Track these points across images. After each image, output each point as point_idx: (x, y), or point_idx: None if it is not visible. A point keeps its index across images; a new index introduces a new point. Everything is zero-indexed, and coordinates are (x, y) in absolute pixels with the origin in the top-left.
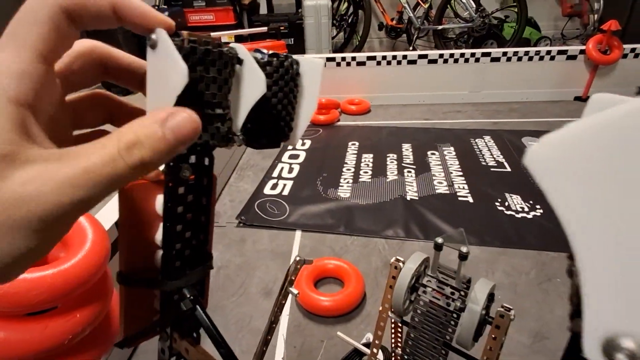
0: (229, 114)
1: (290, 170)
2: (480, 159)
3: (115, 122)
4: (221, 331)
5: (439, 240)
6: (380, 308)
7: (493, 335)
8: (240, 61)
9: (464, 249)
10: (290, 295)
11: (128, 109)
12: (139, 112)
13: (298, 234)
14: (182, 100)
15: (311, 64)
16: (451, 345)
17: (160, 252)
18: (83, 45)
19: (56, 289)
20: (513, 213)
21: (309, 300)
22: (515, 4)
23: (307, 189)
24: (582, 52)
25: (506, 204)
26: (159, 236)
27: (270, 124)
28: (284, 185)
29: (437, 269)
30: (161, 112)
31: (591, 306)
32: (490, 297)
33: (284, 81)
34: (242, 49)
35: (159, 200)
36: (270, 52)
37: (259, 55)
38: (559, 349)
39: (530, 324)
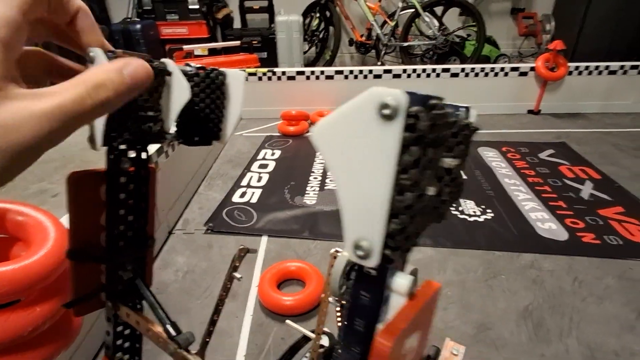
0: (160, 116)
1: (259, 179)
2: None
3: (53, 77)
4: (186, 331)
5: None
6: (323, 295)
7: None
8: (169, 73)
9: None
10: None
11: (65, 66)
12: (76, 70)
13: (264, 239)
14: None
15: (235, 75)
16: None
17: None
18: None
19: (18, 283)
20: (466, 217)
21: (272, 300)
22: (474, 23)
23: (275, 197)
24: (532, 69)
25: (460, 208)
26: (104, 219)
27: (200, 125)
28: (253, 193)
29: None
30: (120, 61)
31: (345, 222)
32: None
33: (210, 89)
34: (171, 63)
35: (104, 188)
36: (198, 65)
37: (188, 68)
38: (499, 337)
39: (475, 316)
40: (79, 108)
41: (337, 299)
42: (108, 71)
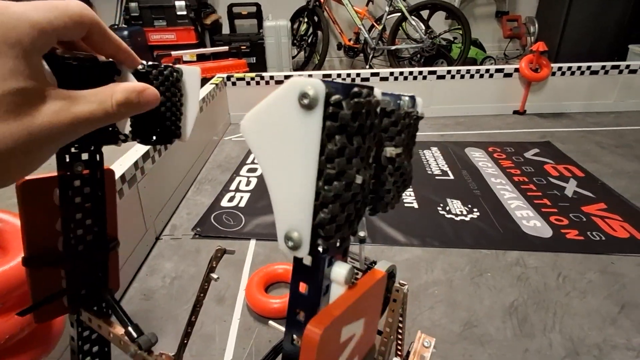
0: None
1: (248, 183)
2: (427, 169)
3: (88, 40)
4: (173, 338)
5: None
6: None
7: (392, 308)
8: (118, 72)
9: (361, 234)
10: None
11: (108, 32)
12: (116, 38)
13: (252, 243)
14: None
15: (190, 72)
16: None
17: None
18: (79, 12)
19: None
20: (453, 216)
21: (259, 304)
22: (460, 26)
23: (263, 201)
24: (516, 70)
25: (447, 208)
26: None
27: (157, 124)
28: (241, 197)
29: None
30: (140, 86)
31: (277, 214)
32: (391, 276)
33: (165, 87)
34: (120, 64)
35: (57, 191)
36: (150, 63)
37: (139, 67)
38: (485, 334)
39: (461, 314)
40: (103, 117)
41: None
42: (131, 92)
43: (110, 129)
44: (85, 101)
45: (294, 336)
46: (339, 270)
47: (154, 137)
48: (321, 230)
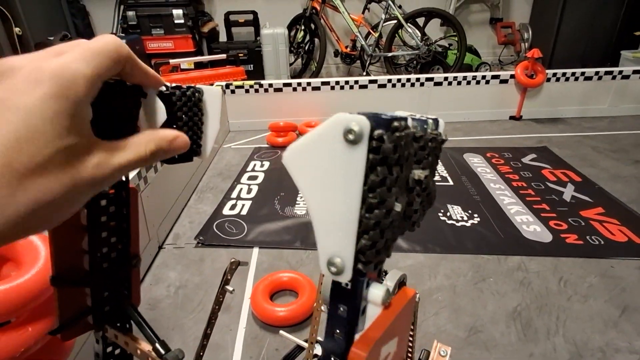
0: None
1: (249, 191)
2: None
3: (124, 74)
4: (180, 348)
5: None
6: (315, 304)
7: None
8: (144, 95)
9: None
10: (247, 309)
11: (137, 62)
12: (145, 66)
13: (256, 251)
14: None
15: (212, 92)
16: None
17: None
18: (116, 50)
19: (10, 303)
20: (454, 222)
21: (265, 312)
22: (455, 33)
23: (265, 208)
24: (512, 76)
25: (448, 214)
26: (86, 243)
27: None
28: (243, 205)
29: None
30: (172, 134)
31: (318, 240)
32: (401, 285)
33: (187, 107)
34: (147, 87)
35: (85, 212)
36: (174, 84)
37: (163, 89)
38: (490, 339)
39: (466, 320)
40: (138, 164)
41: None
42: (163, 140)
43: None
44: (123, 151)
45: (332, 357)
46: (376, 292)
47: (176, 156)
48: (362, 255)
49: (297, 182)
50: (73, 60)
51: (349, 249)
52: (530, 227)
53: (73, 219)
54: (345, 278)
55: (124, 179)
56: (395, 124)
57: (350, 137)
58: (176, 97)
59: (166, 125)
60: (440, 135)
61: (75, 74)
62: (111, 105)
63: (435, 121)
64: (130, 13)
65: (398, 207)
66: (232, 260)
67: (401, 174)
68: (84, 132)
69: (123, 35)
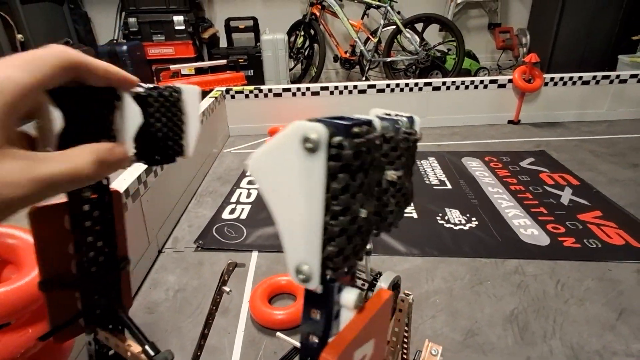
0: (115, 142)
1: (249, 195)
2: (425, 179)
3: (81, 79)
4: (178, 351)
5: None
6: None
7: (397, 318)
8: (118, 98)
9: (367, 246)
10: (246, 312)
11: (93, 66)
12: (104, 69)
13: (255, 254)
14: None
15: (189, 91)
16: None
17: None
18: (59, 58)
19: (10, 306)
20: (452, 226)
21: (263, 315)
22: (453, 38)
23: (264, 212)
24: (510, 81)
25: (446, 218)
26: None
27: (160, 144)
28: (242, 209)
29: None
30: (109, 145)
31: (287, 249)
32: (395, 286)
33: (165, 108)
34: (120, 89)
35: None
36: (150, 85)
37: (139, 89)
38: (487, 342)
39: (463, 323)
40: (76, 177)
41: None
42: (103, 150)
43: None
44: (53, 162)
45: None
46: (349, 296)
47: (158, 157)
48: (330, 262)
49: (260, 190)
50: (8, 67)
51: (316, 257)
52: (528, 230)
53: (57, 224)
54: (313, 285)
55: (104, 182)
56: (356, 129)
57: (309, 145)
58: (153, 98)
59: (145, 128)
60: (414, 135)
61: (3, 82)
62: (80, 112)
63: (410, 119)
64: (132, 19)
65: (364, 213)
66: (230, 261)
67: (366, 179)
68: (6, 139)
69: (124, 41)
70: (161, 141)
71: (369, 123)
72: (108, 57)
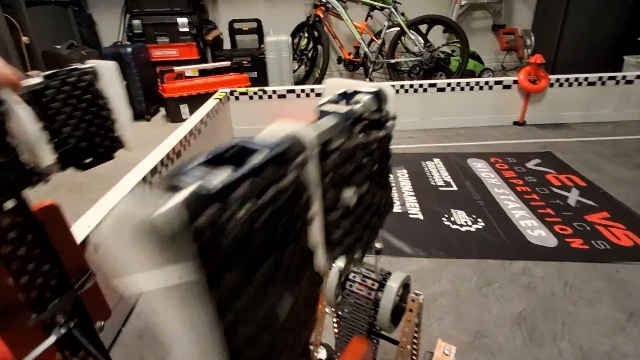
0: (16, 157)
1: None
2: (430, 180)
3: None
4: None
5: None
6: (319, 306)
7: (408, 318)
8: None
9: (377, 245)
10: None
11: None
12: None
13: None
14: None
15: (105, 67)
16: (374, 330)
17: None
18: None
19: None
20: (458, 227)
21: None
22: (457, 40)
23: None
24: (515, 82)
25: (452, 219)
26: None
27: (84, 142)
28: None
29: (362, 265)
30: None
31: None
32: (405, 287)
33: (75, 98)
34: (4, 90)
35: None
36: (47, 73)
37: (33, 81)
38: (495, 344)
39: (470, 324)
40: None
41: (333, 309)
42: None
43: (28, 169)
44: None
45: None
46: None
47: (89, 160)
48: None
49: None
50: None
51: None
52: (535, 231)
53: None
54: None
55: (22, 204)
56: (241, 192)
57: (155, 239)
58: (52, 91)
59: (55, 128)
60: (383, 118)
61: None
62: None
63: (376, 95)
64: (136, 22)
65: (283, 310)
66: None
67: (279, 255)
68: None
69: (129, 43)
70: (84, 139)
71: (284, 153)
72: (112, 58)
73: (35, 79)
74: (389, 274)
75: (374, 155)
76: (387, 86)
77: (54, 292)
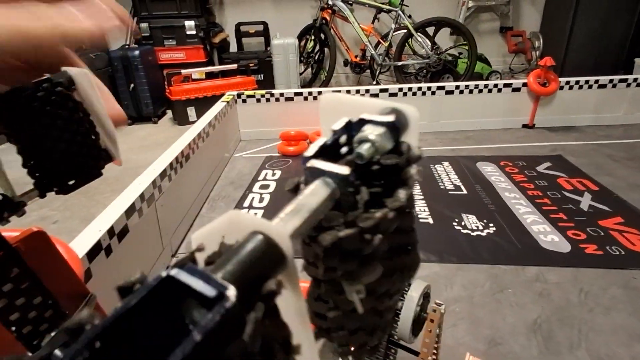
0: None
1: (261, 200)
2: (439, 184)
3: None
4: None
5: None
6: None
7: (429, 329)
8: None
9: None
10: None
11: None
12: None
13: None
14: None
15: (80, 76)
16: (394, 341)
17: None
18: None
19: None
20: (469, 232)
21: None
22: (465, 42)
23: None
24: (525, 84)
25: (463, 223)
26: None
27: (67, 161)
28: (255, 214)
29: None
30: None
31: None
32: (426, 296)
33: (49, 115)
34: None
35: None
36: (7, 89)
37: None
38: (510, 352)
39: (485, 332)
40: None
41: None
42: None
43: None
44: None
45: None
46: None
47: (72, 181)
48: None
49: None
50: None
51: None
52: (548, 236)
53: None
54: None
55: None
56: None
57: None
58: (21, 105)
59: (20, 154)
60: (402, 164)
61: None
62: None
63: (392, 128)
64: (144, 25)
65: None
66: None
67: None
68: None
69: (136, 46)
70: (65, 159)
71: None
72: (120, 62)
73: None
74: (409, 284)
75: (390, 228)
76: (408, 107)
77: (51, 323)
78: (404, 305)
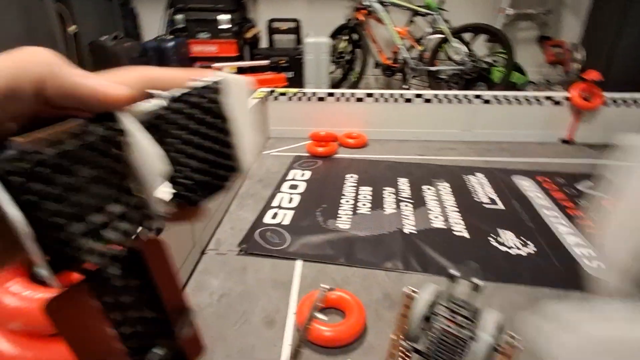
0: (139, 202)
1: (290, 201)
2: (474, 196)
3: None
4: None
5: (454, 272)
6: (393, 337)
7: None
8: (121, 132)
9: (478, 282)
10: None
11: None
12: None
13: (299, 263)
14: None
15: (233, 84)
16: None
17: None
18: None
19: None
20: (507, 249)
21: (311, 330)
22: (503, 50)
23: (307, 219)
24: (567, 98)
25: (499, 239)
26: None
27: (198, 174)
28: (285, 214)
29: (449, 299)
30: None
31: None
32: (500, 328)
33: (194, 121)
34: (125, 116)
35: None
36: (172, 94)
37: (150, 106)
38: None
39: (526, 358)
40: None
41: (409, 342)
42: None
43: (139, 221)
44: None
45: None
46: None
47: (199, 194)
48: None
49: None
50: None
51: None
52: (593, 262)
53: (82, 310)
54: None
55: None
56: None
57: None
58: (177, 114)
59: (175, 166)
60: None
61: None
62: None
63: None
64: (179, 17)
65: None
66: (322, 287)
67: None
68: None
69: (171, 37)
70: (200, 169)
71: None
72: (155, 52)
73: (156, 100)
74: (477, 311)
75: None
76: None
77: (153, 338)
78: (477, 336)
